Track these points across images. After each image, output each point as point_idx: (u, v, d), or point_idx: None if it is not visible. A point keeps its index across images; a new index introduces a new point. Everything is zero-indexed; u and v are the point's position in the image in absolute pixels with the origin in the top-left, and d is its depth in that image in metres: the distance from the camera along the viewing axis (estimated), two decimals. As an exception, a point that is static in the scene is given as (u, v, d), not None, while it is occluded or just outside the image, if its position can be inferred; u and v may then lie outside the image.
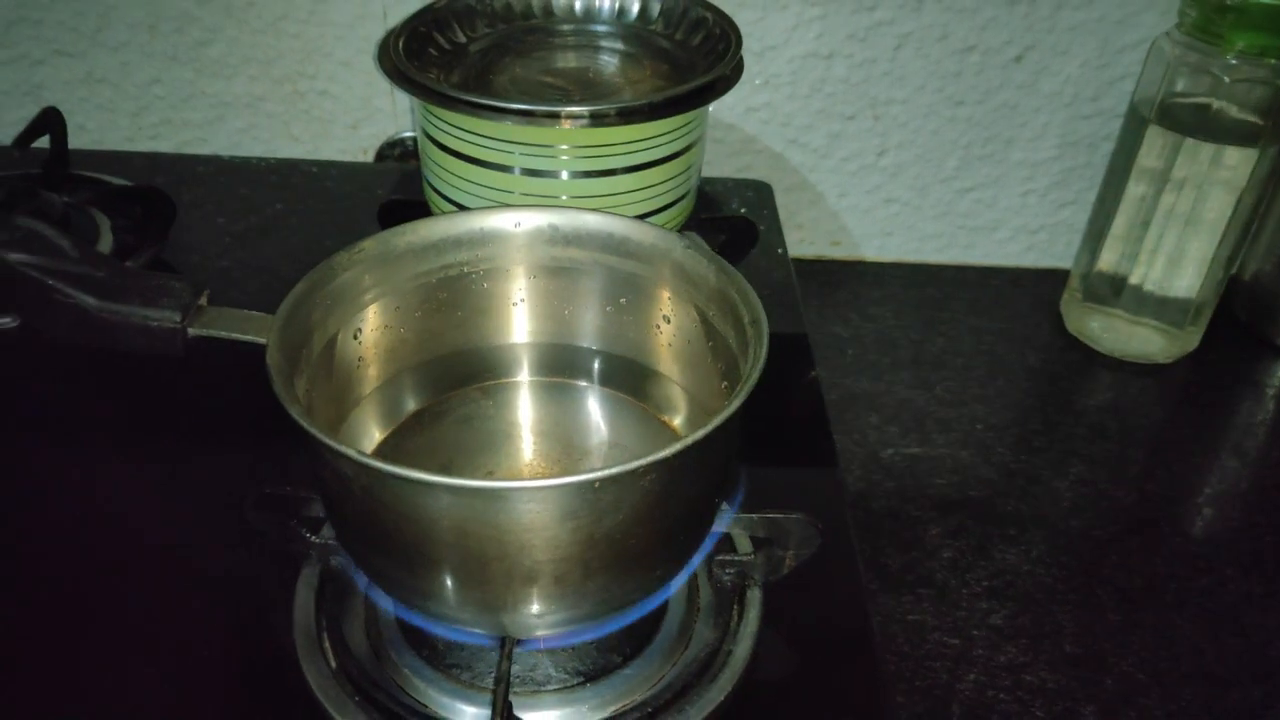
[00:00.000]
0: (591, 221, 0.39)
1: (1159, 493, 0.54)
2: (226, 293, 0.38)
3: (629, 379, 0.41)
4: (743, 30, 0.55)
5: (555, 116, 0.48)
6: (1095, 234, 0.61)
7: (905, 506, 0.53)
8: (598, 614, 0.34)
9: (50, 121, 0.59)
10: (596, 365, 0.42)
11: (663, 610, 0.39)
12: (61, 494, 0.44)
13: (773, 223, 0.64)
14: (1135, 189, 0.58)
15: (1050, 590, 0.49)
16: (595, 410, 0.42)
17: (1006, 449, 0.57)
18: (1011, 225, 0.70)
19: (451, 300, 0.40)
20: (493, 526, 0.30)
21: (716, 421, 0.30)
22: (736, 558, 0.40)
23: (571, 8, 0.59)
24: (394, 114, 0.69)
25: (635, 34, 0.58)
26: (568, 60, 0.56)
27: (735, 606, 0.39)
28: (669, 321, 0.40)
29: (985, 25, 0.63)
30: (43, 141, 0.61)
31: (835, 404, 0.59)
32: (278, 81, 0.67)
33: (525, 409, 0.42)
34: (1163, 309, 0.60)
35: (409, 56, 0.52)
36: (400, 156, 0.70)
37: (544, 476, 0.39)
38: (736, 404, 0.31)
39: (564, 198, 0.52)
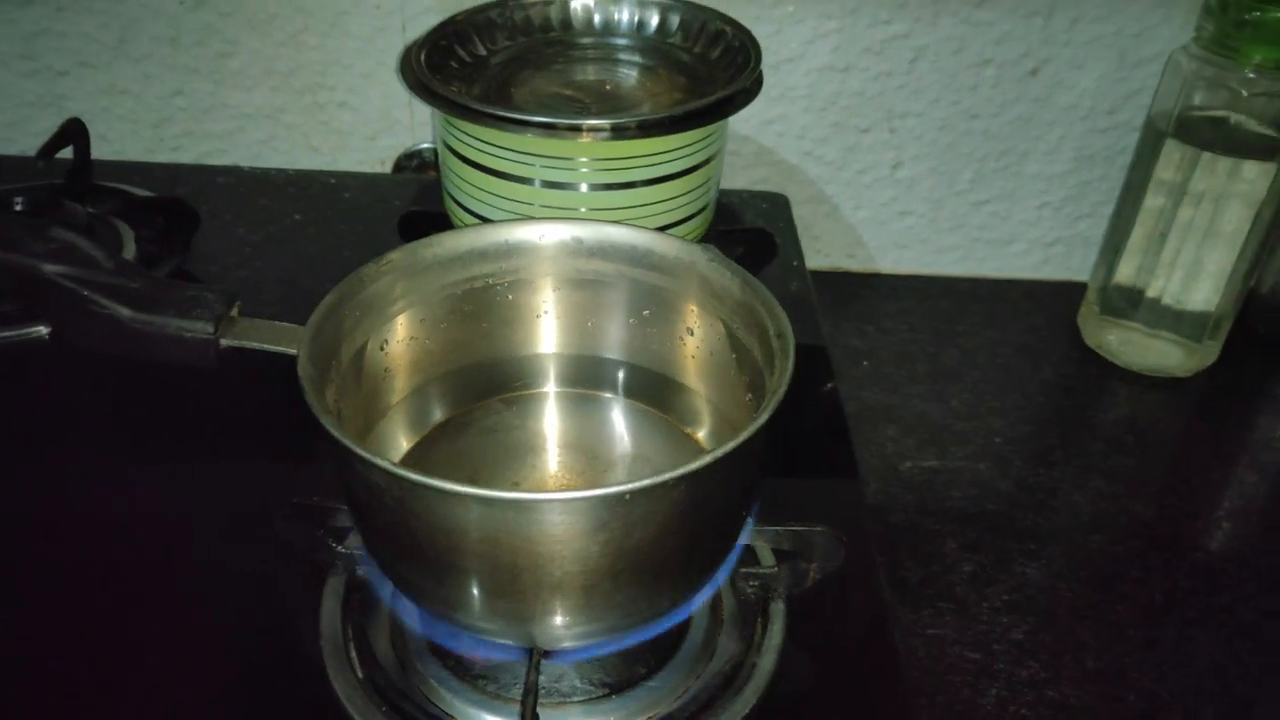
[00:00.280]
0: (616, 234, 0.39)
1: (1178, 507, 0.54)
2: (246, 303, 0.38)
3: (653, 391, 0.41)
4: (759, 43, 0.55)
5: (576, 129, 0.49)
6: (1112, 247, 0.61)
7: (924, 520, 0.53)
8: (626, 625, 0.34)
9: (74, 132, 0.60)
10: (621, 377, 0.42)
11: (686, 623, 0.39)
12: (90, 501, 0.44)
13: (789, 235, 0.64)
14: (1152, 202, 0.58)
15: (1071, 605, 0.49)
16: (619, 422, 0.42)
17: (1024, 462, 0.57)
18: (1027, 238, 0.70)
19: (477, 312, 0.40)
20: (523, 537, 0.30)
21: (747, 434, 0.30)
22: (760, 570, 0.40)
23: (591, 21, 0.59)
24: (412, 126, 0.69)
25: (654, 47, 0.58)
26: (587, 73, 0.57)
27: (759, 619, 0.39)
28: (693, 334, 0.40)
29: (1001, 39, 0.63)
30: (66, 152, 0.61)
31: (852, 416, 0.59)
32: (298, 93, 0.68)
33: (550, 420, 0.42)
34: (1180, 322, 0.60)
35: (430, 69, 0.52)
36: (418, 168, 0.70)
37: (569, 488, 0.39)
38: (765, 416, 0.31)
39: (583, 210, 0.52)
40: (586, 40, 0.58)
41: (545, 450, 0.41)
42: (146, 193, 0.61)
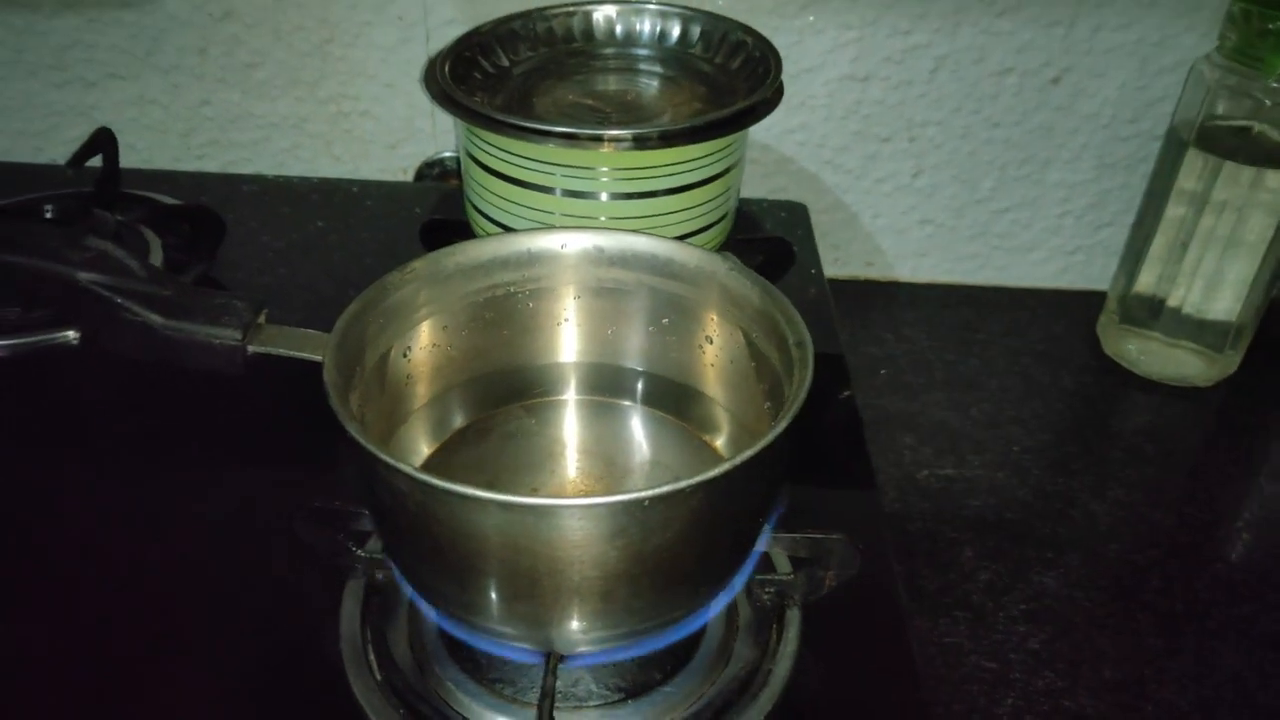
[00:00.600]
0: (637, 243, 0.40)
1: (1198, 517, 0.54)
2: (268, 309, 0.39)
3: (672, 399, 0.42)
4: (780, 53, 0.55)
5: (598, 139, 0.49)
6: (1133, 256, 0.61)
7: (941, 528, 0.53)
8: (644, 631, 0.34)
9: (103, 141, 0.61)
10: (640, 385, 0.42)
11: (702, 629, 0.39)
12: (113, 504, 0.45)
13: (808, 243, 0.64)
14: (1174, 211, 0.58)
15: (1089, 615, 0.48)
16: (638, 429, 0.42)
17: (1043, 471, 0.57)
18: (1048, 246, 0.70)
19: (498, 319, 0.41)
20: (543, 542, 0.30)
21: (765, 441, 0.30)
22: (776, 577, 0.40)
23: (612, 31, 0.60)
24: (433, 135, 0.70)
25: (675, 57, 0.59)
26: (608, 83, 0.57)
27: (774, 626, 0.39)
28: (712, 342, 0.40)
29: (1022, 48, 0.63)
30: (95, 161, 0.62)
31: (869, 424, 0.59)
32: (322, 103, 0.69)
33: (569, 427, 0.43)
34: (1201, 332, 0.60)
35: (455, 80, 0.53)
36: (439, 176, 0.71)
37: (588, 494, 0.39)
38: (784, 424, 0.31)
39: (603, 219, 0.53)
40: (608, 51, 0.59)
41: (564, 456, 0.42)
42: (174, 201, 0.63)
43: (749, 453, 0.30)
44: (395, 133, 0.70)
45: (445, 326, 0.40)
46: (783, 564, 0.41)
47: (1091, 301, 0.68)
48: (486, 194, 0.54)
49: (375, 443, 0.31)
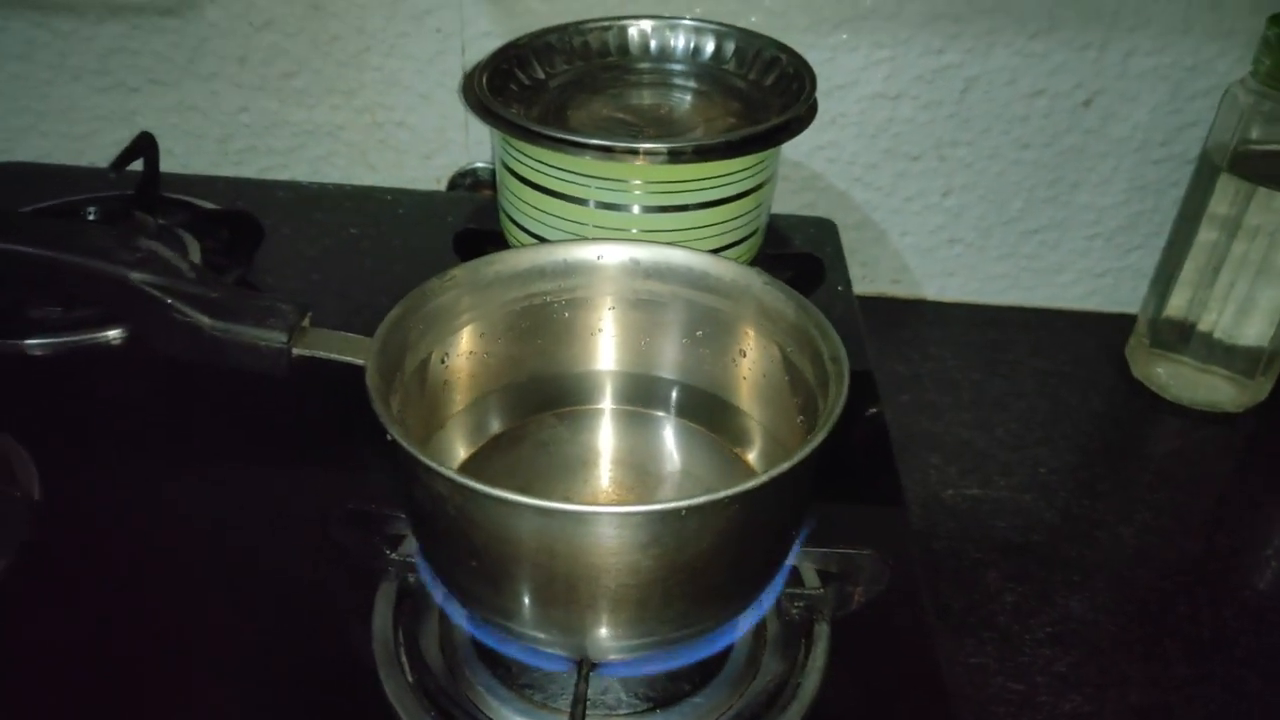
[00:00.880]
0: (674, 256, 0.40)
1: (1227, 544, 0.54)
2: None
3: (704, 411, 0.42)
4: (814, 70, 0.56)
5: (633, 152, 0.50)
6: (1164, 280, 0.61)
7: (966, 548, 0.53)
8: (674, 640, 0.34)
9: (144, 146, 0.62)
10: (673, 396, 0.43)
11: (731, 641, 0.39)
12: (152, 502, 0.46)
13: (837, 259, 0.64)
14: (1206, 235, 0.58)
15: (1115, 639, 0.48)
16: (670, 440, 0.43)
17: (1070, 494, 0.56)
18: (1076, 268, 0.70)
19: (534, 328, 0.41)
20: (580, 548, 0.30)
21: (802, 454, 0.31)
22: (805, 591, 0.40)
23: (647, 46, 0.60)
24: (467, 145, 0.71)
25: (709, 73, 0.59)
26: (643, 97, 0.58)
27: (803, 640, 0.39)
28: (746, 355, 0.41)
29: (1054, 70, 0.63)
30: (136, 165, 0.64)
31: (895, 442, 0.59)
32: (358, 112, 0.70)
33: (601, 436, 0.43)
34: (1232, 357, 0.60)
35: (492, 92, 0.53)
36: (471, 186, 0.72)
37: (621, 503, 0.40)
38: (821, 438, 0.31)
39: (635, 231, 0.53)
40: (643, 65, 0.60)
41: (597, 465, 0.42)
42: (212, 205, 0.64)
43: (785, 465, 0.31)
44: (429, 142, 0.71)
45: (483, 334, 0.40)
46: (811, 579, 0.41)
47: (1120, 324, 0.68)
48: (521, 204, 0.55)
49: (416, 446, 0.31)
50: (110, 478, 0.47)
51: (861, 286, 0.72)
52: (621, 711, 0.37)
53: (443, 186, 0.72)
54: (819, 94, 0.56)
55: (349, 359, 0.34)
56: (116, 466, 0.47)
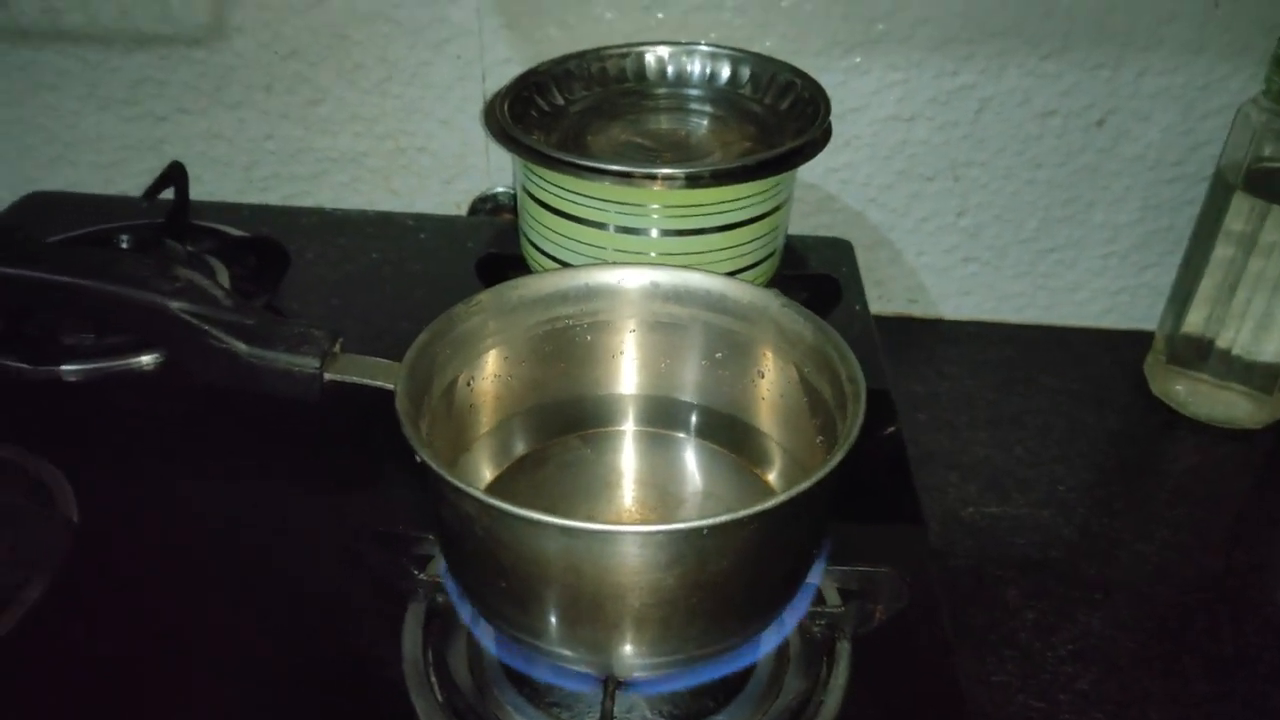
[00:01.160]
0: (691, 279, 0.41)
1: (1248, 561, 0.54)
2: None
3: (725, 432, 0.43)
4: (828, 95, 0.57)
5: (651, 177, 0.51)
6: (1180, 297, 0.61)
7: (986, 566, 0.53)
8: (698, 657, 0.35)
9: (175, 175, 0.63)
10: (694, 418, 0.43)
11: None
12: (181, 525, 0.46)
13: (853, 280, 0.65)
14: (1222, 253, 0.58)
15: (1137, 657, 0.48)
16: (691, 461, 0.43)
17: (1088, 511, 0.57)
18: (1092, 286, 0.71)
19: (556, 352, 0.42)
20: (604, 567, 0.31)
21: (821, 474, 0.31)
22: (826, 609, 0.40)
23: (664, 72, 0.61)
24: (488, 170, 0.72)
25: (725, 98, 0.60)
26: (660, 122, 0.59)
27: (825, 658, 0.40)
28: (764, 376, 0.41)
29: (1067, 90, 0.64)
30: (166, 192, 0.65)
31: (912, 460, 0.59)
32: (380, 138, 0.71)
33: (624, 457, 0.44)
34: (1250, 374, 0.60)
35: (513, 118, 0.55)
36: (492, 211, 0.73)
37: (643, 523, 0.40)
38: (839, 458, 0.32)
39: (654, 254, 0.54)
40: (660, 91, 0.61)
41: (620, 486, 0.43)
42: (240, 232, 0.65)
43: (804, 485, 0.31)
44: (450, 168, 0.72)
45: (507, 357, 0.41)
46: (833, 596, 0.42)
47: (1137, 341, 0.68)
48: (541, 229, 0.56)
49: (444, 468, 0.32)
50: (143, 500, 0.48)
51: (878, 306, 0.73)
52: (646, 729, 0.37)
53: (464, 211, 0.74)
54: (833, 117, 0.57)
55: (379, 383, 0.35)
56: (149, 489, 0.48)
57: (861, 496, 0.49)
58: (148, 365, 0.53)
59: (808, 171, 0.68)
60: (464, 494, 0.31)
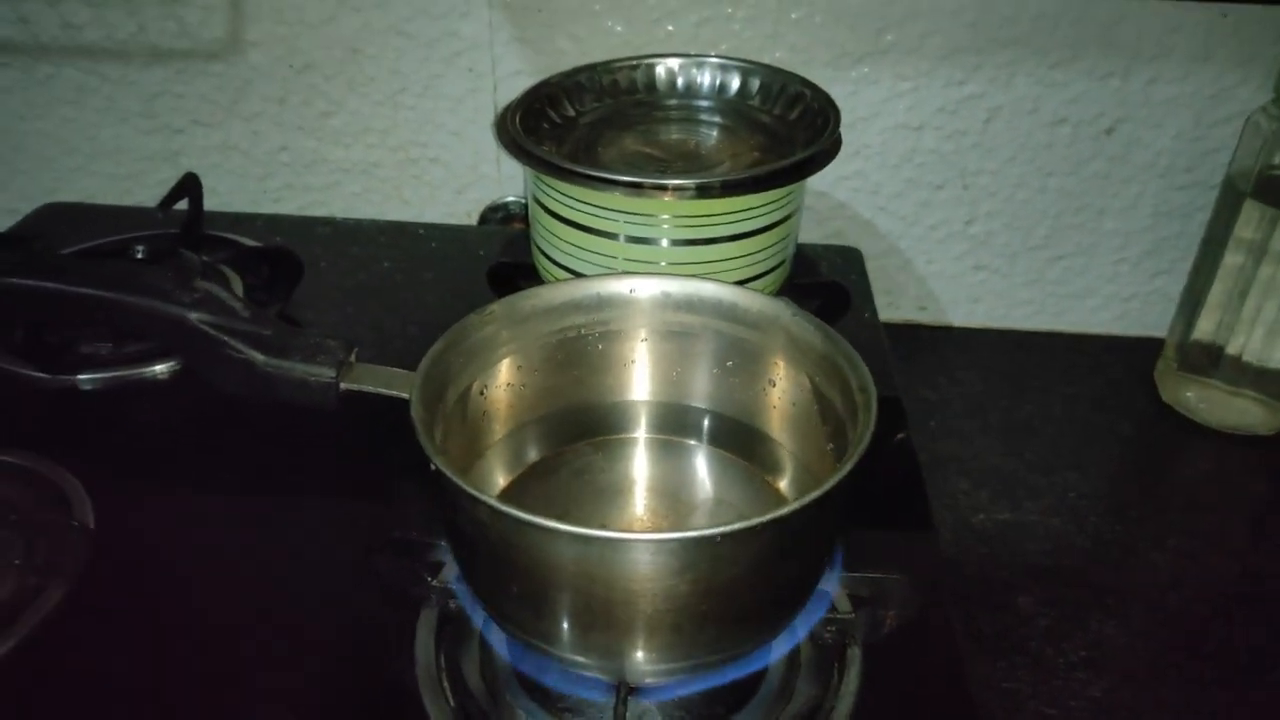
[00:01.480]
0: (703, 288, 0.41)
1: (1262, 567, 0.53)
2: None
3: (736, 439, 0.43)
4: (838, 106, 0.57)
5: (662, 188, 0.51)
6: (1191, 303, 0.61)
7: (998, 572, 0.53)
8: (710, 663, 0.35)
9: (190, 186, 0.64)
10: (705, 425, 0.44)
11: (764, 665, 0.40)
12: (195, 533, 0.47)
13: (862, 288, 0.65)
14: (1232, 259, 0.58)
15: (1150, 664, 0.48)
16: (703, 468, 0.44)
17: (1100, 518, 0.57)
18: (1103, 293, 0.71)
19: (569, 360, 0.43)
20: (618, 575, 0.31)
21: (833, 481, 0.31)
22: (837, 616, 0.41)
23: (674, 84, 0.62)
24: (498, 180, 0.73)
25: (734, 109, 0.61)
26: (670, 133, 0.59)
27: (835, 665, 0.40)
28: (775, 385, 0.42)
29: (1076, 98, 0.64)
30: (181, 204, 0.66)
31: (923, 467, 0.59)
32: (392, 149, 0.72)
33: (636, 464, 0.44)
34: (1262, 380, 0.60)
35: (525, 130, 0.55)
36: (502, 220, 0.73)
37: (656, 530, 0.41)
38: (849, 466, 0.32)
39: (664, 264, 0.55)
40: (670, 102, 0.61)
41: (632, 493, 0.43)
42: (253, 242, 0.66)
43: (816, 493, 0.31)
44: (461, 178, 0.73)
45: (520, 366, 0.42)
46: (843, 603, 0.42)
47: (1148, 348, 0.68)
48: (553, 239, 0.56)
49: (459, 476, 0.32)
50: (158, 507, 0.48)
51: (887, 314, 0.73)
52: (658, 735, 0.37)
53: (474, 220, 0.74)
54: (843, 126, 0.57)
55: (394, 393, 0.36)
56: (164, 497, 0.49)
57: (874, 503, 0.49)
58: (162, 374, 0.53)
59: (817, 180, 0.68)
60: (478, 501, 0.31)
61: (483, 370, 0.40)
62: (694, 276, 0.42)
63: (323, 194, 0.75)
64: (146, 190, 0.75)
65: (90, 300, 0.35)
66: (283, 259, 0.63)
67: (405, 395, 0.35)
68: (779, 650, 0.39)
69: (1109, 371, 0.68)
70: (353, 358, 0.37)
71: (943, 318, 0.73)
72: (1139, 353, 0.69)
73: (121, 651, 0.41)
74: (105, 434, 0.53)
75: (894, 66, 0.64)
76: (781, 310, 0.40)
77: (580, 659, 0.35)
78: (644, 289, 0.42)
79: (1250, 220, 0.56)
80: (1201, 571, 0.53)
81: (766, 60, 0.62)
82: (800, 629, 0.38)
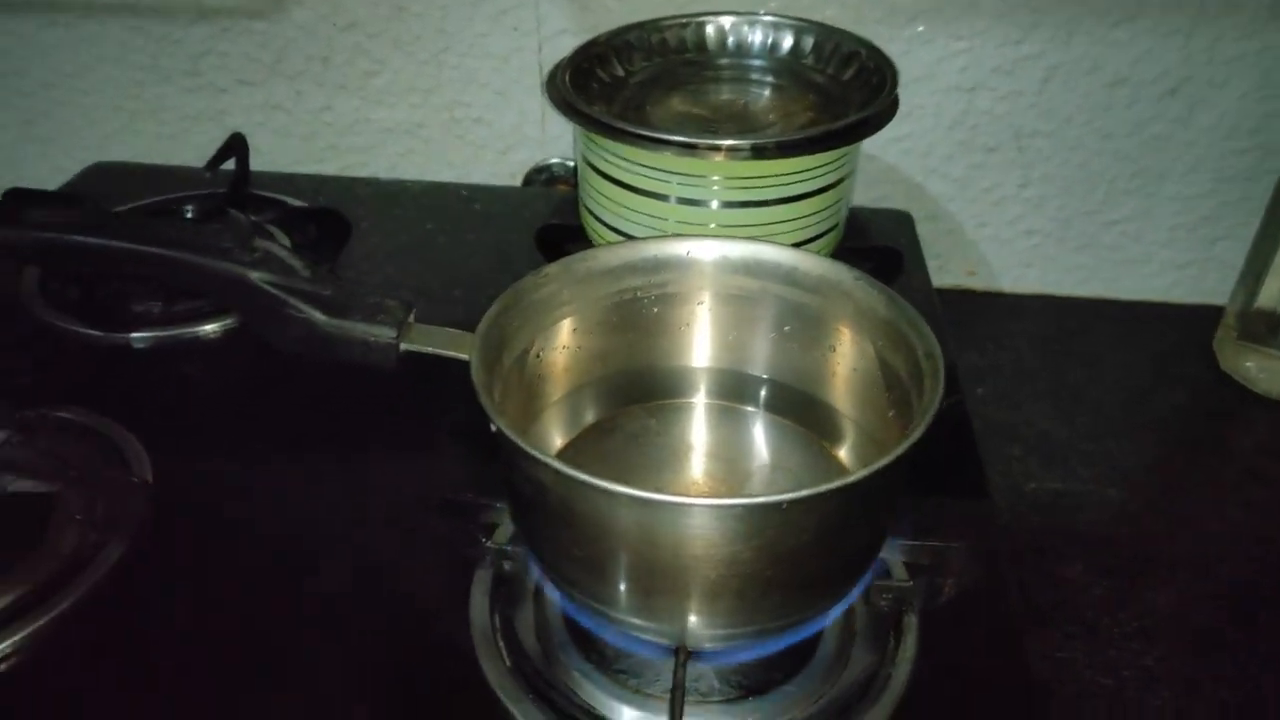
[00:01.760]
0: (763, 252, 0.41)
1: (1320, 539, 0.52)
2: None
3: (794, 405, 0.43)
4: (895, 65, 0.56)
5: (715, 149, 0.50)
6: (1254, 271, 0.60)
7: (1052, 541, 0.52)
8: (769, 630, 0.35)
9: (236, 146, 0.64)
10: (763, 391, 0.43)
11: (819, 632, 0.40)
12: (254, 492, 0.47)
13: (914, 252, 0.64)
14: (1299, 226, 0.56)
15: (1205, 635, 0.48)
16: (760, 434, 0.43)
17: (1155, 488, 0.56)
18: (1159, 259, 0.69)
19: (624, 323, 0.42)
20: (680, 539, 0.31)
21: (901, 449, 0.31)
22: (894, 583, 0.40)
23: (724, 42, 0.61)
24: (542, 141, 0.72)
25: (788, 68, 0.59)
26: (720, 93, 0.58)
27: (892, 632, 0.40)
28: (835, 350, 0.41)
29: (1139, 58, 0.62)
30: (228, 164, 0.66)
31: (974, 434, 0.59)
32: (436, 110, 0.71)
33: (692, 429, 0.44)
34: (1325, 350, 0.58)
35: (574, 89, 0.54)
36: (546, 181, 0.73)
37: (711, 495, 0.40)
38: (919, 432, 0.32)
39: (714, 226, 0.54)
40: (721, 61, 0.60)
41: (688, 458, 0.43)
42: (300, 203, 0.65)
43: (886, 460, 0.31)
44: (506, 139, 0.72)
45: (575, 329, 0.41)
46: (899, 571, 0.41)
47: (1205, 316, 0.66)
48: (603, 199, 0.56)
49: (520, 438, 0.32)
50: (214, 464, 0.49)
51: (936, 279, 0.71)
52: (715, 699, 0.37)
53: (518, 182, 0.73)
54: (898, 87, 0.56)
55: (454, 353, 0.36)
56: (219, 453, 0.49)
57: (928, 470, 0.48)
58: (213, 333, 0.53)
59: (868, 143, 0.67)
60: (540, 463, 0.31)
61: (539, 332, 0.40)
62: (753, 239, 0.41)
63: (365, 154, 0.74)
64: (190, 150, 0.75)
65: (152, 259, 0.35)
66: (329, 219, 0.63)
67: (465, 356, 0.35)
68: (833, 612, 0.38)
69: (1164, 339, 0.67)
70: (411, 318, 0.37)
71: (993, 283, 0.72)
72: (1195, 320, 0.67)
73: (182, 606, 0.42)
74: (159, 391, 0.53)
75: (948, 25, 0.63)
76: (844, 274, 0.40)
77: (639, 622, 0.35)
78: (702, 252, 0.41)
79: (1321, 184, 0.55)
80: (1256, 543, 0.52)
81: (817, 18, 0.61)
82: (853, 591, 0.38)
